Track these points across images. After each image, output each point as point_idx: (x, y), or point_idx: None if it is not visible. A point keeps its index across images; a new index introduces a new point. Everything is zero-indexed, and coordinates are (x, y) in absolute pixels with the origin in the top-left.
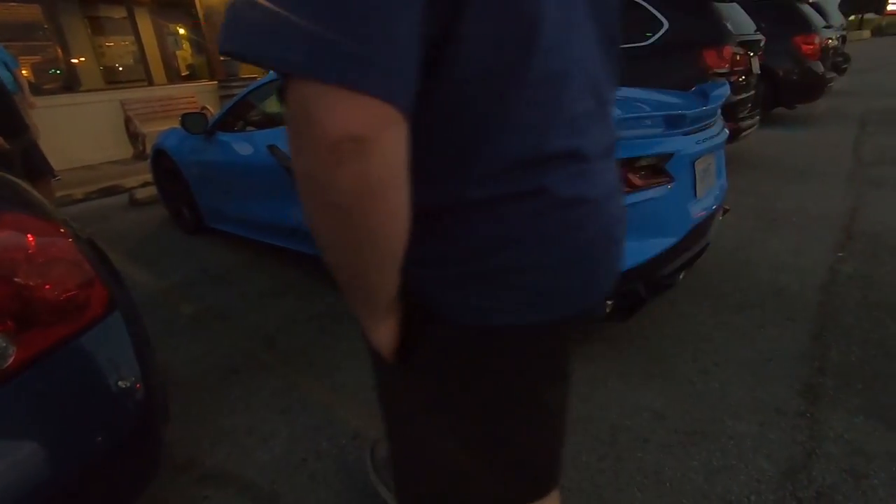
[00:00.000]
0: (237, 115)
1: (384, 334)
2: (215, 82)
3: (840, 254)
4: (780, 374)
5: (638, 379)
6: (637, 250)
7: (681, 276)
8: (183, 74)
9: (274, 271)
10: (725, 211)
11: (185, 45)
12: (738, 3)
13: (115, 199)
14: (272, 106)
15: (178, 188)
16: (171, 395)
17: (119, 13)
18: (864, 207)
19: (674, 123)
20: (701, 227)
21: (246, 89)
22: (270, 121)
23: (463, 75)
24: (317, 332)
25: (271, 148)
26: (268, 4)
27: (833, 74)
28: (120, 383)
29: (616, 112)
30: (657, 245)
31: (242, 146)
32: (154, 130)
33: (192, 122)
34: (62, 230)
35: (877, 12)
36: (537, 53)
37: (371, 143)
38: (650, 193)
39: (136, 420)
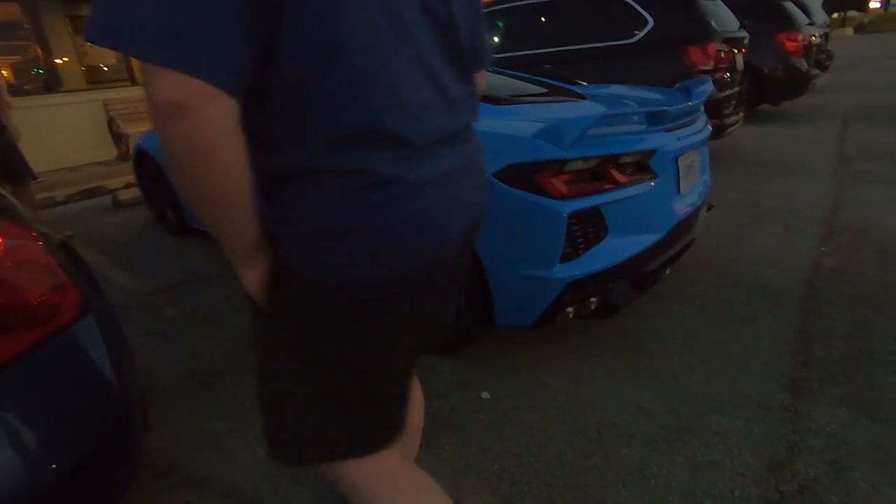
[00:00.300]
0: None
1: (251, 280)
2: None
3: (823, 248)
4: (765, 369)
5: (624, 375)
6: (621, 247)
7: (666, 272)
8: None
9: None
10: (710, 207)
11: None
12: (722, 0)
13: (98, 200)
14: None
15: (161, 189)
16: (153, 399)
17: None
18: (846, 202)
19: (656, 120)
20: (685, 224)
21: None
22: None
23: (292, 66)
24: None
25: None
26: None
27: (816, 71)
28: (93, 389)
29: (599, 108)
30: (641, 241)
31: None
32: (138, 131)
33: None
34: (33, 234)
35: (859, 10)
36: (343, 53)
37: (191, 110)
38: (633, 190)
39: (112, 427)
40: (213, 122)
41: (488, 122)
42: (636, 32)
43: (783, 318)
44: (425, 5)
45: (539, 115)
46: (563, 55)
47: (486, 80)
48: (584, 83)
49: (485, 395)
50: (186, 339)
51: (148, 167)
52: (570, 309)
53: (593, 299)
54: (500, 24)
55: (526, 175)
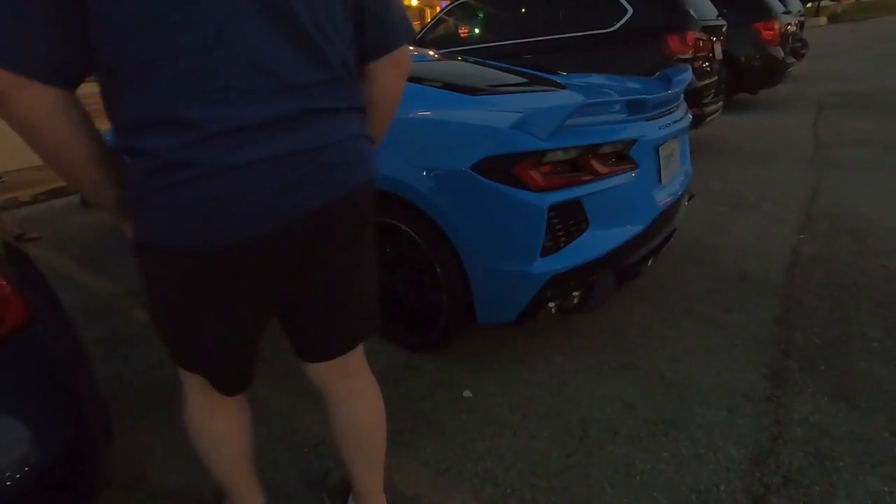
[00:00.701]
0: None
1: (124, 229)
2: None
3: (802, 236)
4: (747, 359)
5: (608, 369)
6: (603, 239)
7: (648, 264)
8: None
9: None
10: (691, 196)
11: None
12: None
13: (65, 200)
14: None
15: None
16: (122, 407)
17: None
18: (823, 189)
19: (637, 109)
20: (667, 214)
21: None
22: None
23: (100, 55)
24: (277, 335)
25: None
26: None
27: (792, 60)
28: (41, 403)
29: (578, 98)
30: (623, 233)
31: None
32: (108, 127)
33: None
34: None
35: None
36: (130, 43)
37: (6, 97)
38: (614, 181)
39: (64, 441)
40: (28, 108)
41: (464, 113)
42: (615, 21)
43: (764, 307)
44: (256, 1)
45: (517, 105)
46: (543, 45)
47: (464, 70)
48: (564, 73)
49: (467, 393)
50: (158, 344)
51: None
52: (552, 304)
53: (575, 294)
54: (481, 14)
55: (503, 167)
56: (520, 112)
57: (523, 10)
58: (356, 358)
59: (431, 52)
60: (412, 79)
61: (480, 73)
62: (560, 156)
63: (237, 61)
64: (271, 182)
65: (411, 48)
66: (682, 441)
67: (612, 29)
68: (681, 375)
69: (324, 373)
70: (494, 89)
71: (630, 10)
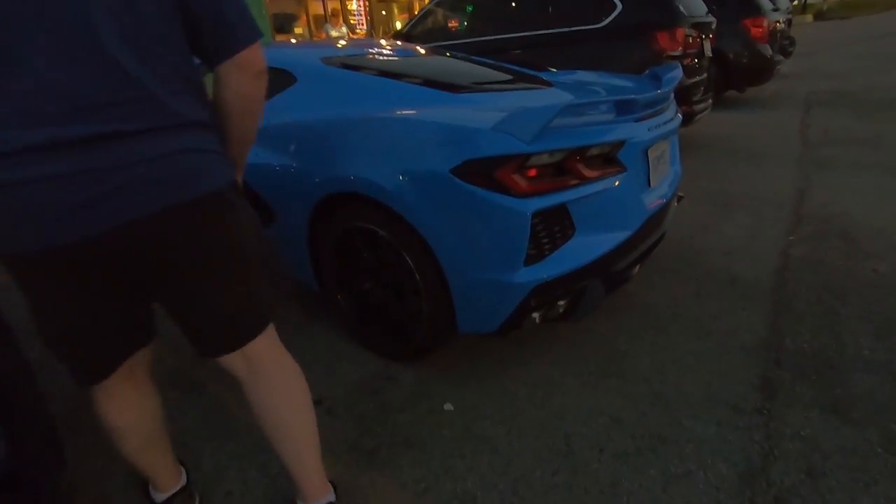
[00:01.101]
0: None
1: None
2: None
3: (791, 238)
4: (737, 368)
5: (595, 379)
6: (590, 246)
7: (637, 270)
8: None
9: None
10: (680, 198)
11: None
12: None
13: None
14: None
15: None
16: (81, 427)
17: None
18: (812, 189)
19: (625, 109)
20: (656, 218)
21: None
22: None
23: None
24: None
25: None
26: None
27: (781, 57)
28: None
29: (565, 97)
30: (610, 240)
31: None
32: None
33: None
34: None
35: None
36: None
37: None
38: (602, 185)
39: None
40: None
41: (445, 112)
42: (604, 17)
43: (754, 313)
44: (48, 18)
45: (501, 104)
46: (532, 40)
47: (448, 66)
48: (554, 69)
49: (448, 406)
50: None
51: None
52: (535, 314)
53: (561, 303)
54: (469, 7)
55: (485, 171)
56: (503, 112)
57: (512, 4)
58: (255, 348)
59: (416, 47)
60: (392, 75)
61: (465, 69)
62: (545, 159)
63: (28, 84)
64: (58, 198)
65: (392, 41)
66: (670, 458)
67: (601, 25)
68: (669, 386)
69: (226, 363)
70: (478, 87)
71: (619, 6)
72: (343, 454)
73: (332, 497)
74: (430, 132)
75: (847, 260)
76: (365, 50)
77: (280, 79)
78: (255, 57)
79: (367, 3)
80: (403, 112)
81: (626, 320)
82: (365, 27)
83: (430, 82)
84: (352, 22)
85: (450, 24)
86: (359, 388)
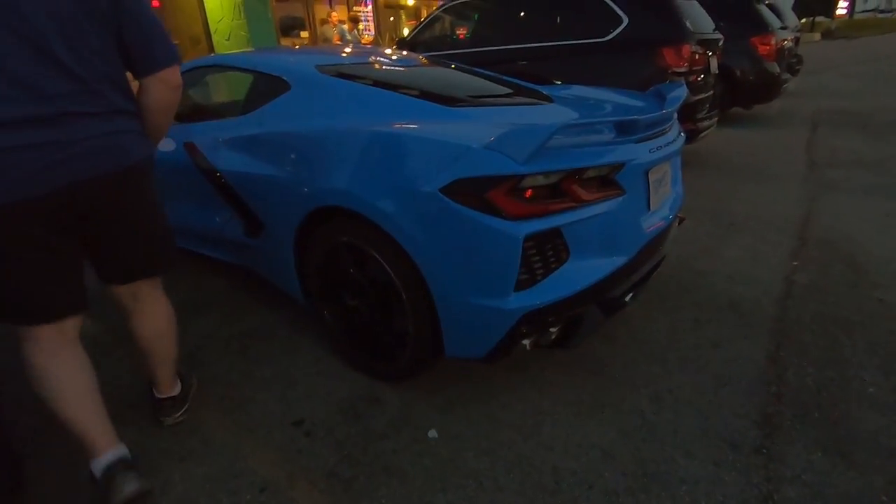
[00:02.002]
0: None
1: None
2: None
3: (795, 262)
4: (736, 402)
5: (587, 409)
6: (584, 272)
7: (634, 295)
8: None
9: (197, 282)
10: (681, 220)
11: None
12: (697, 1)
13: None
14: (191, 97)
15: None
16: (48, 441)
17: None
18: (817, 212)
19: (625, 130)
20: (655, 242)
21: None
22: (188, 114)
23: None
24: (235, 356)
25: (188, 145)
26: None
27: (788, 75)
28: None
29: (563, 115)
30: (607, 265)
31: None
32: None
33: None
34: None
35: (827, 16)
36: None
37: None
38: (599, 208)
39: None
40: None
41: (438, 127)
42: (610, 31)
43: (755, 342)
44: (20, 37)
45: (496, 120)
46: (538, 51)
47: (446, 78)
48: (559, 82)
49: (432, 434)
50: (103, 364)
51: None
52: (525, 341)
53: (553, 329)
54: (475, 16)
55: (476, 191)
56: (498, 129)
57: (518, 14)
58: (145, 288)
59: (416, 56)
60: (387, 86)
61: (463, 81)
62: (539, 180)
63: (2, 78)
64: (20, 163)
65: (393, 50)
66: (663, 499)
67: (606, 38)
68: (664, 419)
69: (121, 296)
70: (475, 101)
71: (625, 20)
72: (320, 481)
73: (178, 390)
74: (421, 148)
75: (852, 288)
76: (362, 58)
77: (273, 85)
78: (172, 75)
79: (374, 9)
80: (395, 125)
81: (622, 347)
82: (372, 32)
83: (425, 94)
84: (360, 27)
85: (455, 33)
86: (341, 409)
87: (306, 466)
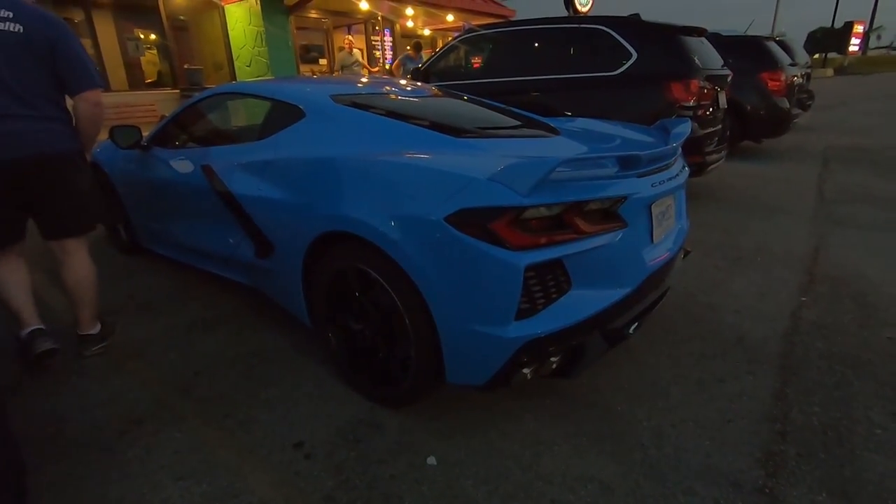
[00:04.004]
0: (175, 131)
1: None
2: (178, 91)
3: (803, 298)
4: (740, 439)
5: (588, 441)
6: (586, 302)
7: (636, 327)
8: (145, 81)
9: (208, 301)
10: (686, 253)
11: (147, 51)
12: (707, 38)
13: None
14: (210, 122)
15: (113, 205)
16: (57, 454)
17: (77, 15)
18: (827, 248)
19: (628, 164)
20: (658, 274)
21: (185, 103)
22: (207, 139)
23: None
24: (241, 376)
25: (205, 168)
26: None
27: (798, 110)
28: None
29: (568, 149)
30: (608, 296)
31: (177, 164)
32: (102, 138)
33: (123, 135)
34: None
35: (839, 52)
36: None
37: None
38: (600, 240)
39: None
40: None
41: (443, 158)
42: (620, 65)
43: (760, 378)
44: None
45: (501, 152)
46: (549, 84)
47: (455, 109)
48: (569, 113)
49: (431, 460)
50: (111, 378)
51: (99, 180)
52: (526, 370)
53: (553, 359)
54: (489, 47)
55: (480, 221)
56: (502, 162)
57: (531, 47)
58: (70, 245)
59: (429, 87)
60: (398, 116)
61: (473, 112)
62: (542, 212)
63: None
64: None
65: (403, 82)
66: None
67: (616, 72)
68: (666, 454)
69: (54, 249)
70: (483, 132)
71: (634, 55)
72: None
73: (97, 330)
74: (427, 177)
75: (861, 327)
76: (376, 89)
77: (289, 113)
78: (94, 95)
79: (392, 38)
80: (403, 154)
81: (625, 379)
82: (391, 61)
83: (434, 125)
84: (376, 55)
85: (469, 63)
86: (342, 433)
87: (304, 489)
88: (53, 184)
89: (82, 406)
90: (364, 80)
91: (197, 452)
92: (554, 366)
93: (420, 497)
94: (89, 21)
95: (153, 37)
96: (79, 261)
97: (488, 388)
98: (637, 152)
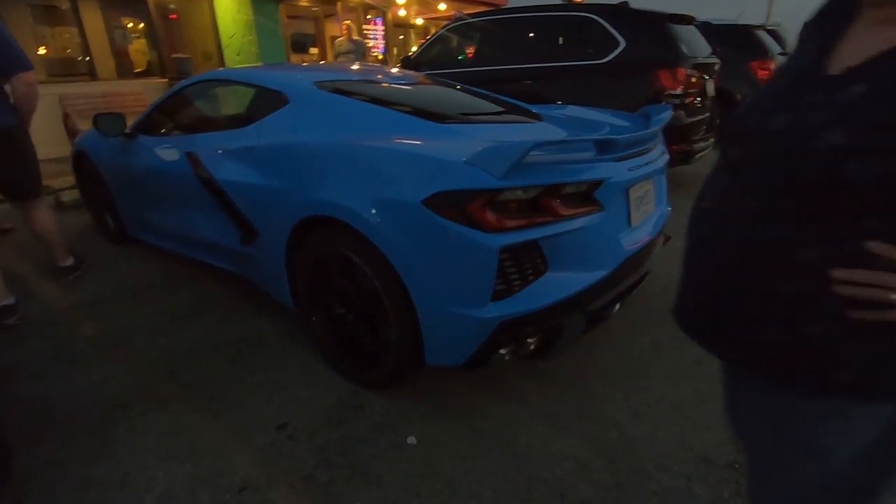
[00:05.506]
0: (159, 118)
1: None
2: (166, 80)
3: None
4: (713, 418)
5: (565, 421)
6: (563, 284)
7: (616, 309)
8: (133, 70)
9: (197, 289)
10: (667, 239)
11: (135, 39)
12: (696, 26)
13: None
14: (195, 110)
15: (100, 194)
16: (42, 436)
17: (64, 3)
18: None
19: (605, 148)
20: (637, 258)
21: (169, 91)
22: (192, 126)
23: None
24: (227, 361)
25: (189, 155)
26: None
27: None
28: None
29: (549, 133)
30: (586, 278)
31: (162, 152)
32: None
33: (107, 123)
34: None
35: None
36: None
37: None
38: (577, 223)
39: None
40: None
41: (424, 142)
42: (608, 53)
43: None
44: None
45: (482, 136)
46: (540, 72)
47: (440, 96)
48: (560, 102)
49: (411, 440)
50: (99, 364)
51: (87, 169)
52: (503, 350)
53: (531, 340)
54: (478, 36)
55: (456, 204)
56: (479, 145)
57: (521, 36)
58: (28, 205)
59: (416, 75)
60: (382, 102)
61: (457, 99)
62: (518, 195)
63: None
64: None
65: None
66: None
67: (605, 60)
68: (641, 432)
69: (18, 207)
70: (465, 118)
71: (623, 44)
72: (298, 483)
73: (71, 262)
74: (406, 161)
75: None
76: (361, 76)
77: (273, 100)
78: (28, 76)
79: (384, 27)
80: (384, 140)
81: (604, 359)
82: (383, 50)
83: (417, 111)
84: (368, 45)
85: (459, 52)
86: (326, 414)
87: (286, 468)
88: (6, 153)
89: (69, 390)
90: (350, 67)
91: (182, 435)
92: (532, 347)
93: (400, 475)
94: (75, 9)
95: (141, 25)
96: (39, 216)
97: (467, 368)
98: (613, 136)
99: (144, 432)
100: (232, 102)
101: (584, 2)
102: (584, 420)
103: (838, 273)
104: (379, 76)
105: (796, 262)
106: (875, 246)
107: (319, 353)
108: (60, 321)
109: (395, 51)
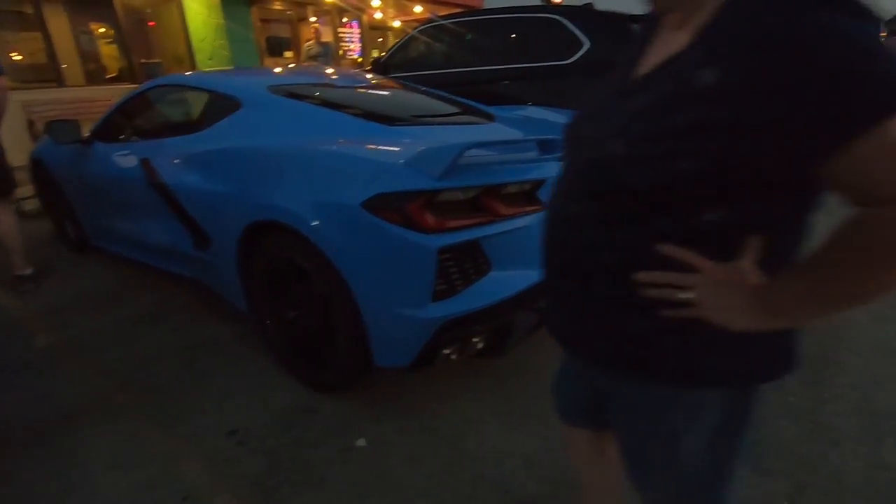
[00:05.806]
0: (115, 124)
1: None
2: (136, 86)
3: None
4: None
5: (516, 419)
6: (507, 283)
7: None
8: (104, 76)
9: (157, 296)
10: None
11: (105, 44)
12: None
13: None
14: (150, 115)
15: (59, 202)
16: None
17: (28, 8)
18: None
19: (548, 148)
20: None
21: (125, 96)
22: (146, 132)
23: None
24: (183, 368)
25: (144, 162)
26: None
27: None
28: None
29: (500, 132)
30: (530, 277)
31: (117, 158)
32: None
33: (61, 130)
34: None
35: None
36: None
37: None
38: (519, 222)
39: None
40: None
41: (367, 145)
42: (572, 54)
43: None
44: None
45: (425, 139)
46: (506, 73)
47: (396, 98)
48: (530, 103)
49: (360, 442)
50: (51, 373)
51: (44, 177)
52: (448, 350)
53: (476, 339)
54: (446, 39)
55: (395, 205)
56: (418, 147)
57: (487, 37)
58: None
59: (374, 78)
60: (333, 105)
61: (412, 101)
62: (457, 195)
63: None
64: None
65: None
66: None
67: (569, 61)
68: None
69: None
70: (415, 120)
71: (587, 44)
72: (243, 489)
73: (30, 272)
74: (347, 164)
75: None
76: (317, 79)
77: (226, 104)
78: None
79: (360, 29)
80: (328, 143)
81: (558, 358)
82: (360, 53)
83: (369, 114)
84: (346, 48)
85: (427, 55)
86: (277, 419)
87: (232, 474)
88: None
89: (21, 402)
90: (310, 70)
91: (131, 443)
92: (480, 345)
93: (347, 478)
94: (39, 15)
95: (109, 31)
96: (5, 218)
97: (413, 368)
98: (555, 136)
99: (93, 442)
100: (187, 108)
101: (563, 2)
102: (535, 419)
103: (641, 276)
104: (336, 79)
105: (606, 265)
106: (666, 249)
107: (274, 357)
108: (11, 332)
109: (374, 53)
